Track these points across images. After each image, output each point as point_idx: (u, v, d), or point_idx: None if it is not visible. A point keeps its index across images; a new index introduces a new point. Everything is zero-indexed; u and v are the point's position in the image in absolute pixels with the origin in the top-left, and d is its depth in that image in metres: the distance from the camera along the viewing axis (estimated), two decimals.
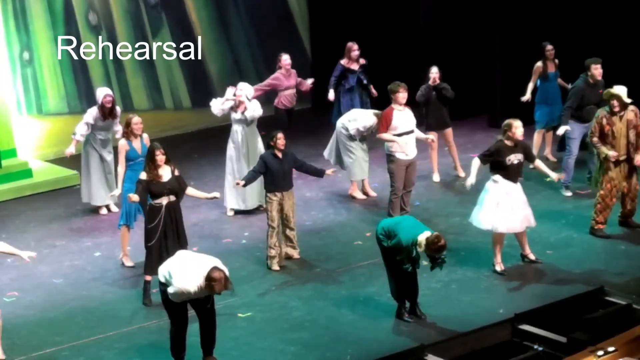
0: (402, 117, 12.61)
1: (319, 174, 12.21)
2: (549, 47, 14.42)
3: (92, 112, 13.59)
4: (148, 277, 10.87)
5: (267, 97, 16.10)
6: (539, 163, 11.55)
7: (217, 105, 13.44)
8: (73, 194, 14.52)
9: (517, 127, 11.08)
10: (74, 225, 13.73)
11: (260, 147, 13.22)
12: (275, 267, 11.79)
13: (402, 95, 12.62)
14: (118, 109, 13.74)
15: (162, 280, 9.29)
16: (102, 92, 13.67)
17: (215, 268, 9.03)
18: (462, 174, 14.58)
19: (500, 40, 16.59)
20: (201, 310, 9.41)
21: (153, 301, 10.83)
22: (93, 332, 10.45)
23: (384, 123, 12.57)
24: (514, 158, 11.09)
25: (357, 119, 13.74)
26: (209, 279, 8.94)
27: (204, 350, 9.54)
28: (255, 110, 13.33)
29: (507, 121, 11.19)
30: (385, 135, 12.59)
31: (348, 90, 15.60)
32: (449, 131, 14.47)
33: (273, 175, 11.64)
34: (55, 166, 16.06)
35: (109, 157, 13.78)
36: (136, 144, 12.11)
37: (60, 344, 10.23)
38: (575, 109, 13.28)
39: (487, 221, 11.17)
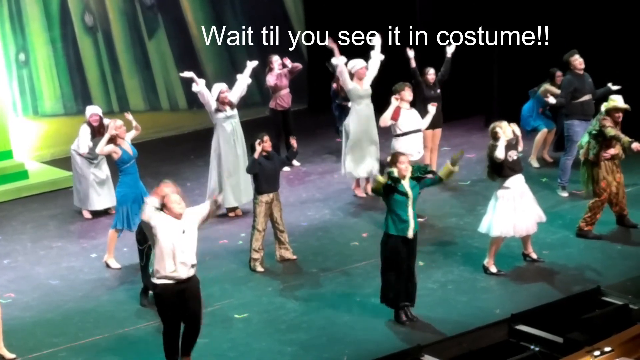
0: (408, 116, 12.71)
1: (293, 154, 12.36)
2: (559, 73, 14.32)
3: (86, 130, 13.57)
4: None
5: (263, 99, 16.16)
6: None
7: (207, 96, 13.33)
8: (69, 196, 14.50)
9: (505, 129, 11.13)
10: (70, 226, 13.73)
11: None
12: (260, 269, 11.78)
13: (408, 93, 12.76)
14: (107, 124, 13.62)
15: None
16: (90, 111, 13.70)
17: None
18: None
19: (496, 40, 16.59)
20: (187, 314, 9.35)
21: (150, 302, 10.83)
22: (90, 334, 10.45)
23: (393, 116, 12.68)
24: (513, 154, 11.13)
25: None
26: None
27: (182, 350, 9.43)
28: (240, 88, 13.43)
29: (493, 125, 11.21)
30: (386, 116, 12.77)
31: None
32: (439, 132, 14.45)
33: (266, 175, 11.65)
34: (52, 167, 16.07)
35: (103, 166, 13.78)
36: (125, 145, 12.10)
37: (57, 345, 10.22)
38: (574, 105, 13.27)
39: (507, 228, 11.15)
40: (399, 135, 12.77)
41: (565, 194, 13.57)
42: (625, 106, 11.90)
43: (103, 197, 13.81)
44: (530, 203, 11.28)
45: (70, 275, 12.06)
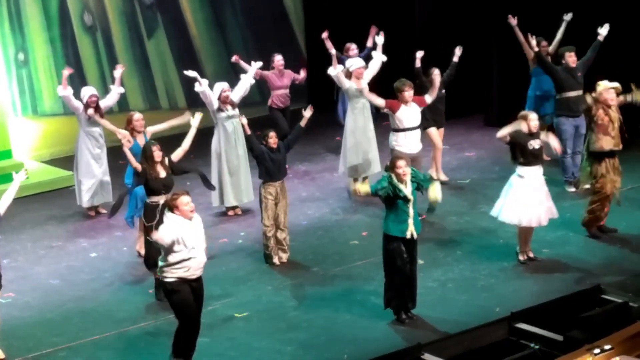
0: (409, 112, 12.71)
1: (300, 129, 12.25)
2: (544, 43, 14.47)
3: (79, 107, 13.59)
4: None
5: (263, 99, 16.16)
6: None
7: (210, 96, 13.36)
8: (69, 195, 14.51)
9: (532, 120, 11.15)
10: (70, 226, 13.72)
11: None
12: (275, 261, 11.83)
13: (408, 94, 12.75)
14: (104, 104, 13.70)
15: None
16: (88, 92, 13.65)
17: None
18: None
19: (495, 39, 16.59)
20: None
21: (153, 301, 10.86)
22: (90, 333, 10.45)
23: (391, 107, 12.69)
24: (535, 143, 11.14)
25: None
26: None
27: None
28: (242, 88, 13.42)
29: (521, 113, 11.28)
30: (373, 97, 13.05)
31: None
32: (441, 132, 14.46)
33: (273, 163, 11.69)
34: (51, 167, 16.06)
35: (103, 156, 13.75)
36: (140, 139, 12.14)
37: (57, 345, 10.22)
38: (561, 100, 13.33)
39: (513, 215, 11.21)
40: (397, 130, 12.75)
41: (572, 189, 13.57)
42: (614, 84, 11.81)
43: (100, 195, 13.79)
44: (542, 198, 11.25)
45: (70, 275, 12.06)
